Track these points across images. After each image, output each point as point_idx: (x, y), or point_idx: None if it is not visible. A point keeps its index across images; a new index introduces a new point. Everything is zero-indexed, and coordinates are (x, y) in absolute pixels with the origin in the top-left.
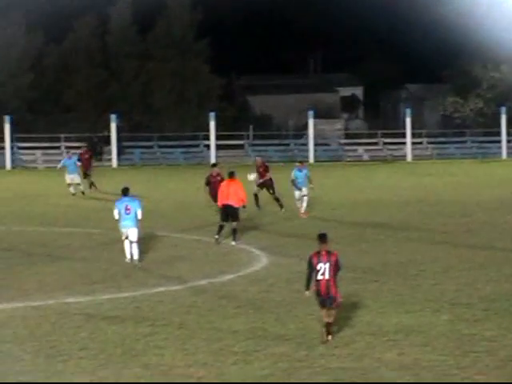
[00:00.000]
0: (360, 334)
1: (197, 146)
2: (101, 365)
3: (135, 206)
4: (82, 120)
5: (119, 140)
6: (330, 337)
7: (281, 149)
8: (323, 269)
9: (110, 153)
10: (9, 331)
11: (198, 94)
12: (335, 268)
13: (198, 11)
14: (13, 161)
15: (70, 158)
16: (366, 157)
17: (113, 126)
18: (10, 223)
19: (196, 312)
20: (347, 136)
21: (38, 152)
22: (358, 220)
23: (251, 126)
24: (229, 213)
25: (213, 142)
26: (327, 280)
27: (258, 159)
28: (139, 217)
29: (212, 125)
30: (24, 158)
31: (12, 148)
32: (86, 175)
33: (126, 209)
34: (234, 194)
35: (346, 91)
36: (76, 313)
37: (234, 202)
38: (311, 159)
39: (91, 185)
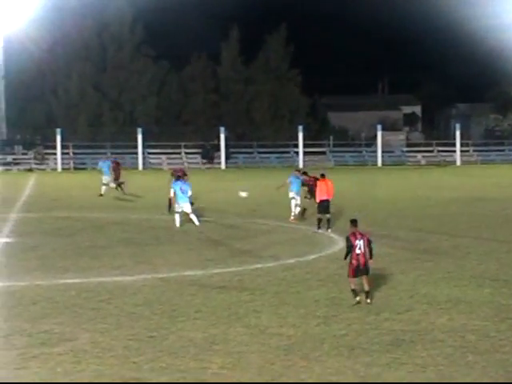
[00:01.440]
0: (417, 303)
1: (288, 152)
2: (211, 324)
3: (187, 187)
4: (198, 132)
5: (227, 147)
6: (369, 300)
7: (355, 155)
8: (359, 245)
9: (219, 157)
10: (141, 297)
11: (289, 111)
12: (368, 244)
13: (290, 46)
14: (144, 163)
15: (104, 161)
16: (423, 162)
17: (222, 137)
18: (141, 212)
19: (286, 284)
20: (408, 145)
21: (163, 156)
22: (416, 212)
23: (331, 137)
24: (325, 206)
25: (301, 149)
26: (363, 254)
27: (305, 177)
28: (189, 194)
29: (300, 135)
30: (152, 161)
31: (143, 153)
32: (116, 180)
33: (181, 189)
34: (330, 190)
35: (407, 109)
36: (192, 283)
37: (328, 197)
38: (379, 163)
39: (118, 186)
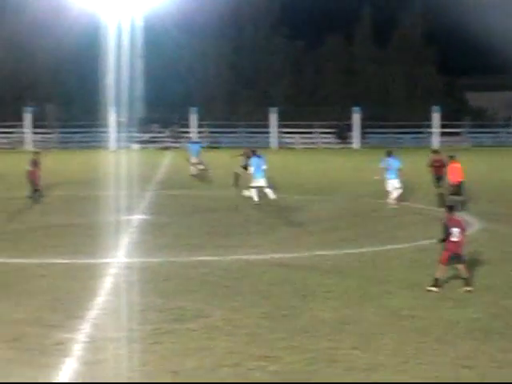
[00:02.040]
0: None
1: (423, 132)
2: (343, 305)
3: (262, 162)
4: (332, 111)
5: (361, 127)
6: (469, 288)
7: (492, 136)
8: (455, 232)
9: (353, 137)
10: (273, 276)
11: (425, 91)
12: (464, 231)
13: (426, 24)
14: (278, 143)
15: (192, 142)
16: None
17: (356, 116)
18: (276, 192)
19: (419, 266)
20: None
21: (297, 136)
22: None
23: (468, 117)
24: (460, 188)
25: (436, 129)
26: (459, 241)
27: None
28: (263, 167)
29: (436, 116)
30: (286, 140)
31: (278, 132)
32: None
33: (259, 166)
34: (461, 172)
35: None
36: (324, 263)
37: (461, 179)
38: None
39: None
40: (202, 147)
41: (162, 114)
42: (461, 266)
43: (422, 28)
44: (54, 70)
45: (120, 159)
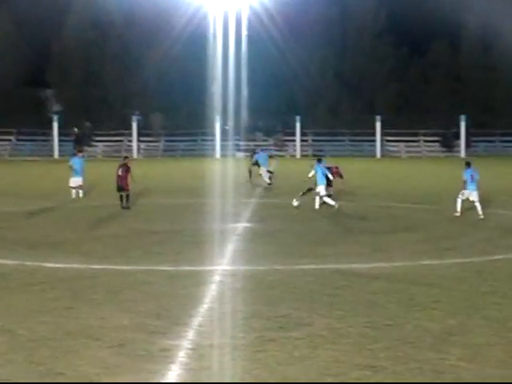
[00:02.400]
0: None
1: None
2: (449, 315)
3: (476, 174)
4: (437, 119)
5: (467, 135)
6: None
7: None
8: None
9: (459, 145)
10: (377, 284)
11: None
12: None
13: None
14: (382, 151)
15: (260, 153)
16: None
17: (462, 124)
18: (378, 200)
19: None
20: None
21: (402, 144)
22: None
23: None
24: None
25: None
26: None
27: None
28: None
29: None
30: (390, 148)
31: (381, 141)
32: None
33: (471, 176)
34: None
35: None
36: (429, 273)
37: None
38: None
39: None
40: (270, 156)
41: (265, 122)
42: None
43: None
44: (160, 79)
45: (225, 167)
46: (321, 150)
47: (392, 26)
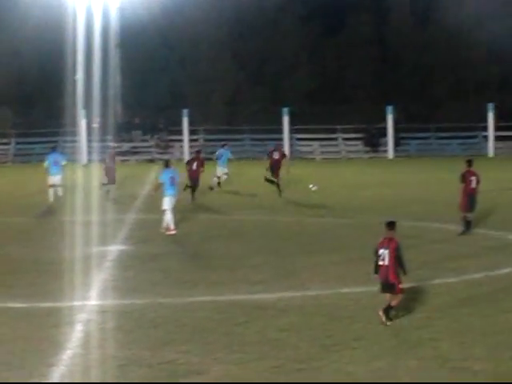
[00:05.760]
0: None
1: (475, 136)
2: (375, 356)
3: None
4: (359, 112)
5: (396, 131)
6: (388, 322)
7: None
8: (383, 255)
9: (386, 144)
10: (285, 319)
11: (476, 85)
12: (393, 255)
13: None
14: (291, 152)
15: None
16: None
17: (389, 118)
18: (286, 214)
19: (472, 304)
20: None
21: (316, 143)
22: None
23: None
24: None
25: (491, 133)
26: (386, 266)
27: None
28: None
29: (490, 115)
30: (302, 149)
31: (290, 139)
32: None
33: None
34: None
35: None
36: (351, 303)
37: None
38: None
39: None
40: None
41: (145, 118)
42: (389, 296)
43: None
44: (9, 63)
45: (92, 175)
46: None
47: None
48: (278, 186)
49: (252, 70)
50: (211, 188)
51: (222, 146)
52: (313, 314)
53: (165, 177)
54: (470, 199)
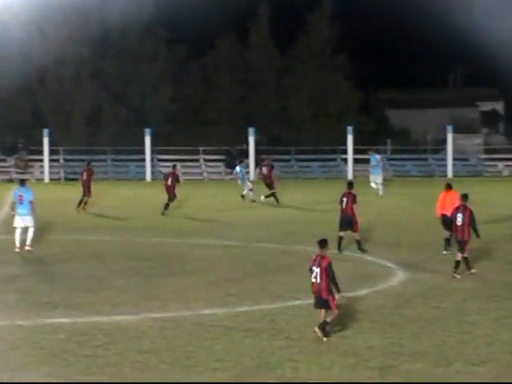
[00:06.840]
0: (498, 353)
1: (334, 159)
2: (236, 376)
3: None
4: (221, 133)
5: (257, 153)
6: (325, 338)
7: (419, 163)
8: (315, 272)
9: (247, 166)
10: (147, 341)
11: (336, 108)
12: (325, 273)
13: (336, 26)
14: (153, 173)
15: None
16: (506, 172)
17: (251, 140)
18: (148, 235)
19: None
20: (487, 151)
21: (178, 164)
22: (496, 233)
23: (389, 140)
24: (446, 222)
25: (350, 155)
26: (318, 283)
27: None
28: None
29: (349, 138)
30: (164, 170)
31: (152, 160)
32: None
33: None
34: (450, 204)
35: (486, 106)
36: (212, 324)
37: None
38: (450, 174)
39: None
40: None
41: (3, 137)
42: (322, 312)
43: (330, 32)
44: None
45: None
46: (76, 173)
47: (163, 17)
48: (275, 196)
49: (115, 91)
50: (253, 201)
51: (240, 162)
52: (174, 336)
53: (14, 195)
54: (340, 219)
